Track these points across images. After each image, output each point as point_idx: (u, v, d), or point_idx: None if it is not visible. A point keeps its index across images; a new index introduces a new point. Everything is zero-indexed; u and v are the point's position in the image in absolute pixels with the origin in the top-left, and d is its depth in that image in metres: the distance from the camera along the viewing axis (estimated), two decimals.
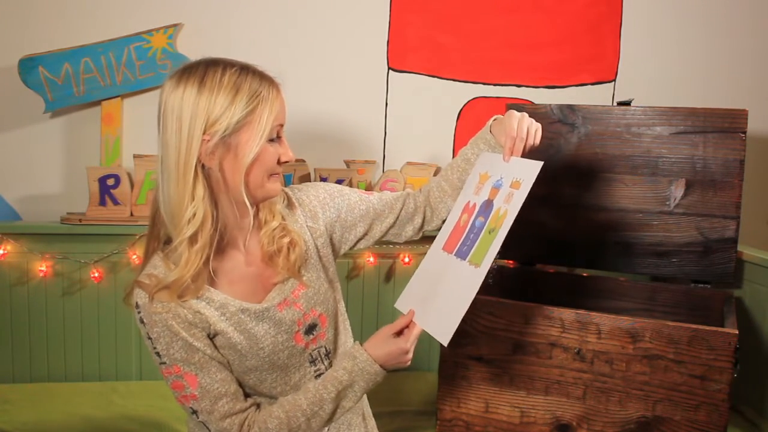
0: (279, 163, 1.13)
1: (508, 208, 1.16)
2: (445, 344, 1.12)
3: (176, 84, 1.07)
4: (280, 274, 1.19)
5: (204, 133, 1.05)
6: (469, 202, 1.25)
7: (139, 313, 1.10)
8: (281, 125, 1.13)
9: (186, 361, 1.11)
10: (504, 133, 1.23)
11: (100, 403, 1.89)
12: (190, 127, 1.05)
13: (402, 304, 1.25)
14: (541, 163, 1.15)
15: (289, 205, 1.25)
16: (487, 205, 1.20)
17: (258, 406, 1.19)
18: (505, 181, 1.19)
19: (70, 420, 1.78)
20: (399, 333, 1.18)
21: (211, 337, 1.14)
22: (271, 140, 1.11)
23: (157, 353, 1.11)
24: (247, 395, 1.19)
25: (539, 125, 1.24)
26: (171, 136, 1.06)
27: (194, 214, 1.06)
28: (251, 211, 1.11)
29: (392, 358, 1.17)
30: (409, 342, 1.16)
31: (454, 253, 1.21)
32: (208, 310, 1.12)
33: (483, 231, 1.18)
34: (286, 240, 1.19)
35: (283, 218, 1.21)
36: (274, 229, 1.18)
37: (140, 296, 1.10)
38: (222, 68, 1.08)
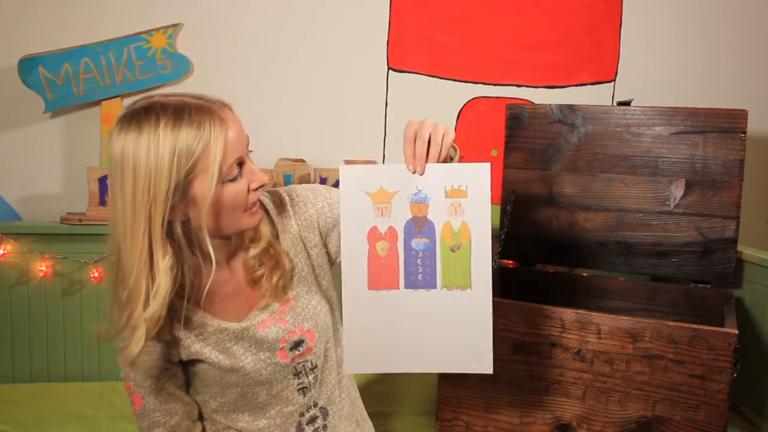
0: (249, 191, 1.05)
1: (467, 221, 1.04)
2: (491, 371, 1.08)
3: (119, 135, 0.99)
4: (264, 297, 1.16)
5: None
6: (374, 227, 1.06)
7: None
8: (240, 158, 1.03)
9: (136, 382, 1.13)
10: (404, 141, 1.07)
11: (100, 403, 1.89)
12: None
13: (361, 363, 1.10)
14: (488, 165, 1.04)
15: (283, 211, 1.19)
16: (419, 223, 1.05)
17: None
18: (432, 192, 1.05)
19: (70, 420, 1.78)
20: None
21: (186, 360, 1.13)
22: (232, 180, 1.02)
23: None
24: (199, 418, 1.20)
25: (447, 127, 1.05)
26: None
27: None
28: (213, 268, 1.03)
29: None
30: None
31: (402, 287, 1.06)
32: (185, 332, 1.12)
33: (438, 251, 1.05)
34: (271, 263, 1.14)
35: (273, 235, 1.16)
36: (259, 253, 1.13)
37: None
38: (155, 118, 0.97)
